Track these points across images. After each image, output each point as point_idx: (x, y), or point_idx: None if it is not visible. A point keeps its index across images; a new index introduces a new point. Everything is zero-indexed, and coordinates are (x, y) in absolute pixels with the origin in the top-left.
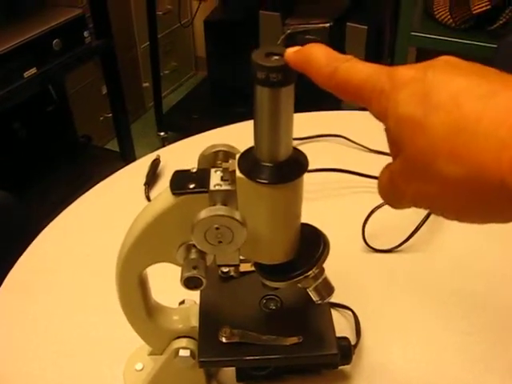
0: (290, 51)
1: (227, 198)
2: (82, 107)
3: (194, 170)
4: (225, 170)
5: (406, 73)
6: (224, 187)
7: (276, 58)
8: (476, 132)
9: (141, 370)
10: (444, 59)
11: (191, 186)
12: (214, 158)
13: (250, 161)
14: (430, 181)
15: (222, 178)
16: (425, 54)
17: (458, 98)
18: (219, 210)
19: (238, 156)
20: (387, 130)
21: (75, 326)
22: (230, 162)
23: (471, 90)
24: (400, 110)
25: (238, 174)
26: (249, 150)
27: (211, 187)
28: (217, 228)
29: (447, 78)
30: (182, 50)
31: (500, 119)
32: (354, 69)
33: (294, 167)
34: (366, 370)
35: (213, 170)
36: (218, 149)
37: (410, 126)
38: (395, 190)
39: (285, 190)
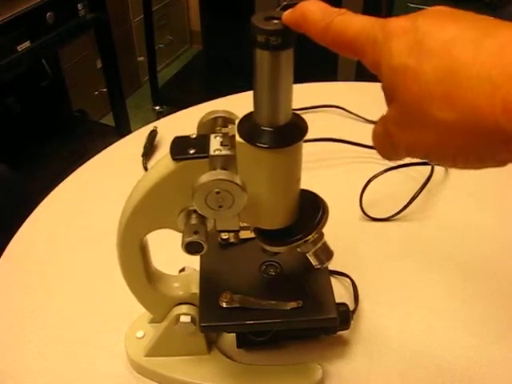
0: (287, 12)
1: (227, 162)
2: (76, 82)
3: (194, 136)
4: (224, 135)
5: (398, 22)
6: (224, 152)
7: (275, 21)
8: (468, 75)
9: (142, 337)
10: (436, 8)
11: (191, 151)
12: (213, 124)
13: (249, 125)
14: (424, 127)
15: (222, 143)
16: None
17: (449, 44)
18: (220, 174)
19: (237, 121)
20: (381, 80)
21: (75, 295)
22: (230, 127)
23: (463, 34)
24: (393, 59)
25: (238, 138)
26: (248, 115)
27: (211, 152)
28: (217, 192)
29: (438, 25)
30: (176, 24)
31: (492, 61)
32: (349, 21)
33: (293, 131)
34: (363, 335)
35: (212, 136)
36: (216, 115)
37: (403, 74)
38: (390, 139)
39: (284, 154)
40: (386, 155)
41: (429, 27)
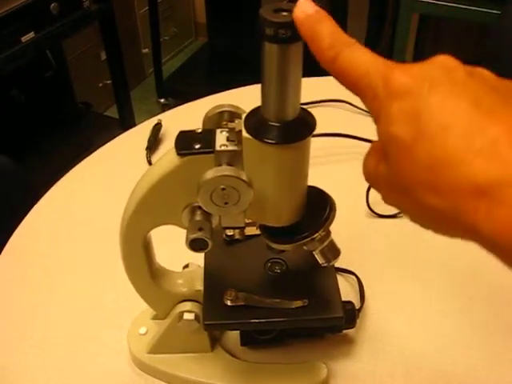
0: (299, 13)
1: (233, 158)
2: (81, 73)
3: (199, 131)
4: (231, 130)
5: (402, 79)
6: (230, 147)
7: (285, 13)
8: (458, 173)
9: (145, 333)
10: (442, 66)
11: (196, 146)
12: (219, 118)
13: (256, 120)
14: (407, 198)
15: (228, 139)
16: (427, 20)
17: (446, 131)
18: (225, 170)
19: (244, 116)
20: (378, 131)
21: (77, 290)
22: (236, 121)
23: (460, 122)
24: (390, 125)
25: (245, 133)
26: (255, 110)
27: (217, 147)
28: (223, 189)
29: (441, 100)
30: (181, 16)
31: (481, 165)
32: (355, 59)
33: (301, 127)
34: (369, 334)
35: (218, 131)
36: (223, 109)
37: (396, 145)
38: (376, 184)
39: (292, 150)
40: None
41: (431, 99)
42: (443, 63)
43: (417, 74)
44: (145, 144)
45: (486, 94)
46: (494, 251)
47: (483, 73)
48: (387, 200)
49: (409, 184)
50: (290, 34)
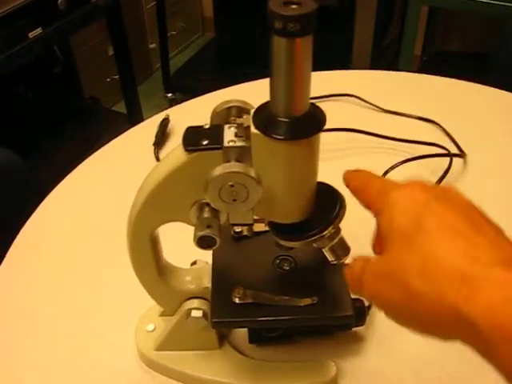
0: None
1: (241, 154)
2: (88, 68)
3: (207, 126)
4: (239, 126)
5: (403, 221)
6: (238, 143)
7: (294, 6)
8: (447, 265)
9: (152, 330)
10: (415, 201)
11: (204, 142)
12: (227, 114)
13: (265, 116)
14: (396, 286)
15: (236, 134)
16: (437, 11)
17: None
18: (234, 166)
19: (252, 111)
20: (379, 228)
21: (86, 286)
22: (245, 117)
23: (450, 238)
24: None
25: (253, 129)
26: (264, 105)
27: (225, 143)
28: (231, 185)
29: (433, 238)
30: (189, 10)
31: (465, 263)
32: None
33: (311, 122)
34: (379, 331)
35: (226, 126)
36: (231, 104)
37: (400, 236)
38: (358, 281)
39: (302, 146)
40: (351, 288)
41: (426, 238)
42: (415, 198)
43: (416, 218)
44: (152, 139)
45: (462, 222)
46: (472, 332)
47: (455, 197)
48: (371, 288)
49: (403, 271)
50: (300, 27)
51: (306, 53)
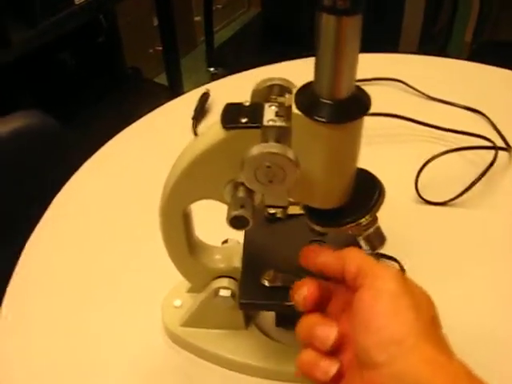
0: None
1: (281, 135)
2: (132, 39)
3: (247, 104)
4: (280, 105)
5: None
6: (278, 123)
7: None
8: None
9: (179, 306)
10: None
11: (243, 120)
12: (269, 92)
13: (308, 96)
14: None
15: (277, 114)
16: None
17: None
18: (272, 147)
19: (295, 91)
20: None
21: (114, 260)
22: (287, 96)
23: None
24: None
25: (295, 109)
26: (307, 85)
27: (264, 122)
28: (268, 166)
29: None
30: None
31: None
32: None
33: (355, 106)
34: None
35: (267, 105)
36: (273, 82)
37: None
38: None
39: (344, 130)
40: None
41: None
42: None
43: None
44: (191, 113)
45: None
46: None
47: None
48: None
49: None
50: (350, 5)
51: (355, 32)
